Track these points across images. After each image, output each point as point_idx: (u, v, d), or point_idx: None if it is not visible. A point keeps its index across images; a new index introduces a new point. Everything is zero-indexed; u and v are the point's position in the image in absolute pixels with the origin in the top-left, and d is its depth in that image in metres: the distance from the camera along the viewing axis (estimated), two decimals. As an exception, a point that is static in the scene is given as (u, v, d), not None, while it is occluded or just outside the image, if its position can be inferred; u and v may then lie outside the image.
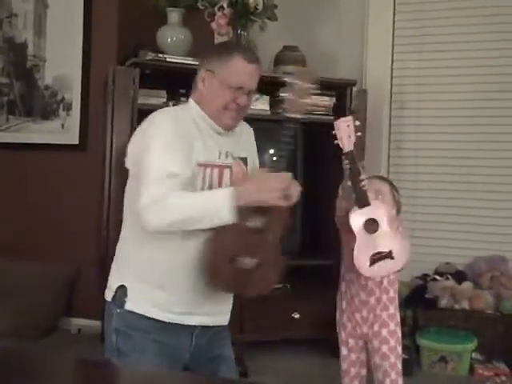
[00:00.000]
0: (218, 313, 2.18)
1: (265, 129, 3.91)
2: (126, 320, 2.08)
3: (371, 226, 2.46)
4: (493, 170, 4.02)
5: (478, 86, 4.04)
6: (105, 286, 2.18)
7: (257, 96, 3.67)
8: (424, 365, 3.61)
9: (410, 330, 3.74)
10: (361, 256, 2.46)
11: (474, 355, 3.59)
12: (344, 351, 2.72)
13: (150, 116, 2.10)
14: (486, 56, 4.01)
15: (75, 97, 4.08)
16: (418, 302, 3.79)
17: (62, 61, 4.08)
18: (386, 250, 2.45)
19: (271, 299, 3.79)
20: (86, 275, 3.94)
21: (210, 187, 2.06)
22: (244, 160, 2.21)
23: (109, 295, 2.12)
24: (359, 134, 2.50)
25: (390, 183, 2.77)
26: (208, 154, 2.08)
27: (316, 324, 3.65)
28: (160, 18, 3.80)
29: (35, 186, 4.09)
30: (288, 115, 2.12)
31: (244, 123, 2.31)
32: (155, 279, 2.06)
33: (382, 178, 2.81)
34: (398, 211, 2.72)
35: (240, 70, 2.10)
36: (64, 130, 4.11)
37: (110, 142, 3.49)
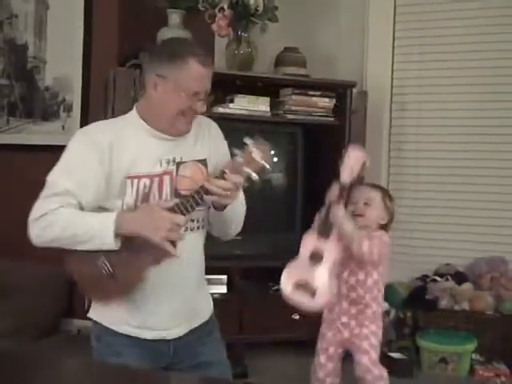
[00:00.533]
0: (180, 323, 2.10)
1: (265, 130, 3.93)
2: (98, 326, 2.10)
3: (316, 257, 2.47)
4: (493, 171, 4.01)
5: (479, 87, 4.04)
6: None
7: (257, 97, 3.68)
8: (424, 366, 3.61)
9: (410, 331, 3.75)
10: (292, 274, 2.49)
11: (474, 356, 3.58)
12: (322, 359, 2.71)
13: (74, 134, 2.09)
14: (487, 57, 4.00)
15: (76, 98, 4.09)
16: (417, 303, 3.79)
17: (62, 62, 4.09)
18: (314, 285, 2.45)
19: (271, 300, 3.80)
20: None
21: (147, 198, 1.98)
22: (203, 161, 2.09)
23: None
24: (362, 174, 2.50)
25: (384, 191, 2.75)
26: (143, 165, 1.99)
27: (316, 325, 3.63)
28: (160, 19, 3.80)
29: (36, 187, 4.08)
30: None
31: (203, 119, 2.16)
32: None
33: (374, 186, 2.79)
34: (391, 221, 2.71)
35: (196, 75, 1.97)
36: (64, 132, 4.11)
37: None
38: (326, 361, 2.70)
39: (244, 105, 3.65)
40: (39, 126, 4.15)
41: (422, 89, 4.17)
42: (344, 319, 2.68)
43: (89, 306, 2.13)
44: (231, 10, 3.64)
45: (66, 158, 2.02)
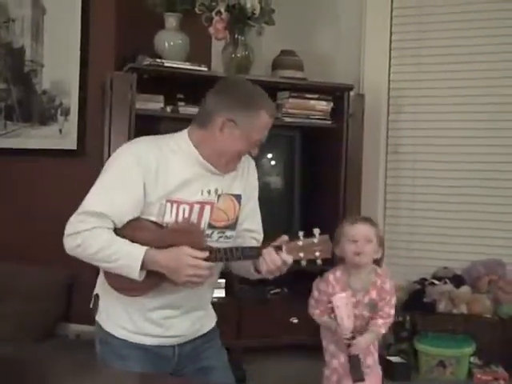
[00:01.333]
0: (183, 333, 2.12)
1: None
2: (103, 330, 2.10)
3: None
4: (490, 174, 4.01)
5: (476, 90, 4.04)
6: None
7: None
8: (422, 369, 3.60)
9: (408, 335, 3.74)
10: None
11: (472, 359, 3.58)
12: (327, 357, 2.72)
13: (123, 145, 2.08)
14: (484, 60, 4.01)
15: (73, 102, 4.08)
16: (416, 306, 3.79)
17: (59, 66, 4.09)
18: None
19: (269, 304, 3.80)
20: (85, 281, 3.91)
21: (187, 221, 2.02)
22: (237, 197, 2.13)
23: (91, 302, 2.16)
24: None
25: (375, 224, 2.72)
26: (186, 192, 2.02)
27: (315, 329, 3.62)
28: (157, 22, 3.80)
29: (33, 191, 4.09)
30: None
31: (247, 157, 2.21)
32: (115, 298, 2.07)
33: (368, 220, 2.72)
34: (383, 254, 2.70)
35: (265, 126, 2.06)
36: (62, 136, 4.11)
37: (107, 147, 3.48)
38: (330, 358, 2.71)
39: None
40: (37, 129, 4.14)
41: (418, 92, 4.18)
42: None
43: (95, 308, 2.13)
44: (228, 13, 3.64)
45: (110, 175, 2.02)
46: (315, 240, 2.01)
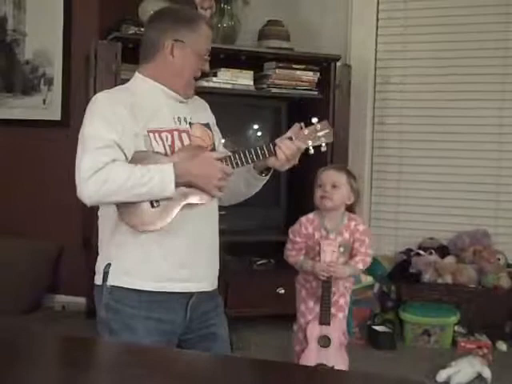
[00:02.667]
0: (204, 278, 2.14)
1: (249, 104, 3.92)
2: (114, 294, 2.06)
3: (325, 341, 2.69)
4: (476, 145, 4.03)
5: (462, 60, 4.03)
6: (89, 264, 2.17)
7: (240, 71, 3.66)
8: (407, 338, 3.64)
9: (394, 305, 3.78)
10: (306, 362, 2.69)
11: (456, 328, 3.63)
12: (309, 318, 2.78)
13: (93, 97, 2.10)
14: (471, 30, 4.00)
15: (56, 72, 4.03)
16: (401, 276, 3.83)
17: (42, 35, 4.03)
18: (330, 365, 2.67)
19: (256, 274, 3.82)
20: (71, 253, 3.93)
21: (173, 149, 2.05)
22: (206, 125, 2.20)
23: (98, 279, 2.10)
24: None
25: (347, 172, 2.81)
26: (161, 121, 2.06)
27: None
28: (142, -9, 3.75)
29: (17, 162, 4.05)
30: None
31: (198, 97, 2.30)
32: (137, 251, 2.05)
33: (339, 168, 2.85)
34: (357, 200, 2.79)
35: (207, 36, 2.14)
36: (46, 106, 4.06)
37: (92, 117, 3.45)
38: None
39: (227, 78, 3.62)
40: (20, 100, 4.09)
41: (405, 62, 4.17)
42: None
43: (105, 278, 2.07)
44: (214, -19, 3.60)
45: (99, 113, 2.01)
46: (317, 126, 2.12)
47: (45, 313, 3.89)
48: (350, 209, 2.77)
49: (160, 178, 1.95)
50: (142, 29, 3.46)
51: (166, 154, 2.04)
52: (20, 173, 4.04)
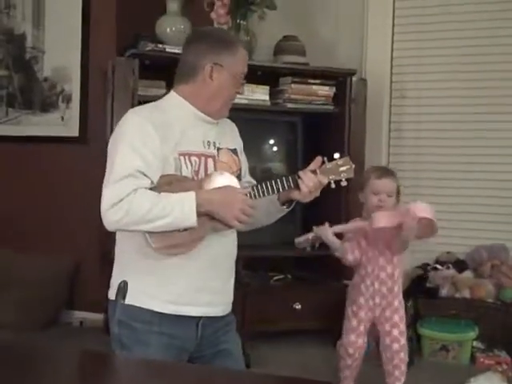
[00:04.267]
0: (220, 303, 2.17)
1: (264, 119, 3.93)
2: (128, 311, 2.07)
3: None
4: (494, 159, 4.01)
5: (479, 74, 4.02)
6: (107, 279, 2.18)
7: (256, 86, 3.67)
8: (425, 354, 3.62)
9: (412, 320, 3.74)
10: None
11: (475, 344, 3.59)
12: (353, 337, 2.94)
13: (123, 117, 2.10)
14: (487, 44, 3.99)
15: (75, 89, 4.07)
16: (419, 291, 3.80)
17: (60, 52, 4.07)
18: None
19: (272, 290, 3.81)
20: (88, 268, 3.94)
21: (197, 174, 2.06)
22: (233, 151, 2.21)
23: (112, 294, 2.11)
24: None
25: (396, 177, 2.94)
26: (190, 144, 2.07)
27: (318, 314, 3.65)
28: (159, 7, 3.78)
29: (35, 179, 4.08)
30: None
31: (227, 119, 2.32)
32: (157, 273, 2.06)
33: (392, 177, 2.93)
34: (399, 195, 2.93)
35: (244, 59, 2.18)
36: (64, 123, 4.10)
37: (110, 133, 3.45)
38: (356, 338, 2.94)
39: (243, 94, 3.63)
40: (38, 117, 4.13)
41: (421, 76, 4.16)
42: (376, 300, 2.93)
43: (123, 296, 2.08)
44: (230, -2, 3.62)
45: (127, 138, 2.01)
46: (339, 162, 2.17)
47: (63, 329, 3.90)
48: None
49: (181, 208, 1.95)
50: (159, 45, 3.51)
51: (192, 179, 2.05)
52: (37, 189, 4.07)
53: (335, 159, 2.16)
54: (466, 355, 3.57)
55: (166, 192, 1.98)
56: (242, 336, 2.31)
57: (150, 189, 1.99)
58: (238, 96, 3.53)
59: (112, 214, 1.94)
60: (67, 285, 4.01)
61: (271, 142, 4.00)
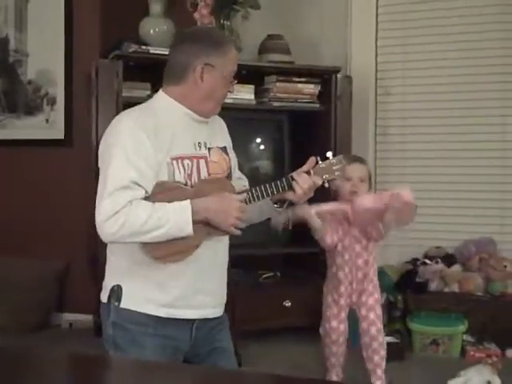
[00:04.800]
0: (214, 305, 2.18)
1: (250, 118, 3.93)
2: (123, 314, 2.07)
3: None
4: (480, 153, 4.03)
5: (463, 70, 4.04)
6: (96, 281, 2.18)
7: (241, 86, 3.67)
8: (416, 348, 3.63)
9: (401, 315, 3.76)
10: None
11: (465, 337, 3.60)
12: (334, 324, 2.98)
13: (114, 120, 2.08)
14: (471, 39, 4.00)
15: (59, 91, 4.05)
16: (408, 286, 3.81)
17: (44, 55, 4.05)
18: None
19: (262, 288, 3.81)
20: (77, 270, 3.93)
21: (190, 178, 2.05)
22: (223, 149, 2.20)
23: (104, 296, 2.11)
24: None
25: (366, 163, 3.03)
26: (182, 146, 2.06)
27: (307, 312, 3.65)
28: (142, 9, 3.77)
29: (21, 182, 4.06)
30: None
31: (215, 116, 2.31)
32: (152, 278, 2.06)
33: (360, 160, 3.00)
34: (370, 182, 3.00)
35: (235, 59, 2.16)
36: (49, 125, 4.08)
37: (95, 135, 3.46)
38: (337, 324, 2.98)
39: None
40: (23, 120, 4.11)
41: (406, 72, 4.18)
42: (354, 285, 2.98)
43: (118, 300, 2.08)
44: (213, -3, 3.62)
45: (120, 146, 1.99)
46: (333, 161, 2.16)
47: (52, 331, 3.89)
48: None
49: (177, 218, 1.95)
50: (143, 46, 3.50)
51: (185, 184, 2.04)
52: (24, 192, 4.05)
53: (328, 158, 2.15)
54: (457, 349, 3.59)
55: (160, 200, 1.97)
56: (233, 335, 2.31)
57: (145, 198, 1.97)
58: (223, 95, 3.61)
59: (108, 226, 1.93)
60: (56, 287, 3.99)
61: (258, 140, 4.00)
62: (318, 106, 3.86)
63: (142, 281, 2.06)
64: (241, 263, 3.66)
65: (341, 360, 3.02)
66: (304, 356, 3.44)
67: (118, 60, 3.40)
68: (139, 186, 1.96)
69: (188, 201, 1.97)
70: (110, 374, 1.58)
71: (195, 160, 2.08)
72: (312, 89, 3.84)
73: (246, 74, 3.73)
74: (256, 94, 3.74)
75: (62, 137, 4.04)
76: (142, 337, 2.05)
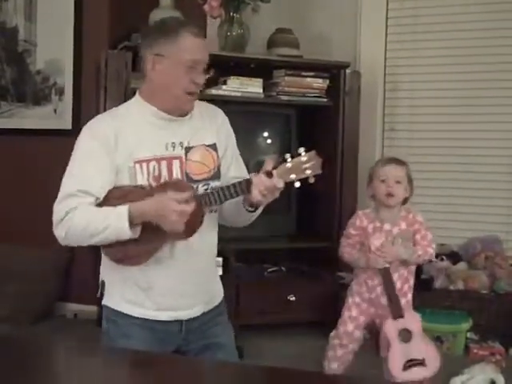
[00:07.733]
0: (200, 302, 2.14)
1: (258, 112, 3.92)
2: (110, 309, 2.11)
3: (405, 335, 2.71)
4: (488, 151, 4.01)
5: (472, 66, 4.02)
6: (99, 271, 2.20)
7: (250, 79, 3.66)
8: (419, 345, 3.62)
9: (406, 311, 3.76)
10: (395, 363, 2.68)
11: (469, 335, 3.60)
12: (350, 328, 2.85)
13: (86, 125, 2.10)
14: (481, 36, 3.99)
15: (67, 81, 4.05)
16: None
17: (53, 45, 4.05)
18: (420, 357, 2.72)
19: (267, 282, 3.81)
20: (82, 260, 3.93)
21: (158, 180, 2.02)
22: (212, 146, 2.12)
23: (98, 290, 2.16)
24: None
25: (406, 165, 2.88)
26: (149, 148, 2.02)
27: (312, 306, 3.66)
28: (152, 0, 3.77)
29: (29, 171, 4.07)
30: None
31: (210, 105, 2.23)
32: (130, 277, 2.07)
33: (399, 163, 2.88)
34: (412, 192, 2.87)
35: (189, 46, 2.01)
36: (57, 115, 4.08)
37: (103, 126, 3.46)
38: (353, 328, 2.86)
39: (237, 86, 3.63)
40: (31, 110, 4.12)
41: (415, 69, 4.16)
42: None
43: (102, 294, 2.14)
44: (223, -10, 3.61)
45: (74, 156, 2.07)
46: (303, 158, 1.98)
47: (57, 321, 3.90)
48: (404, 201, 2.84)
49: (115, 222, 1.93)
50: (152, 38, 3.50)
51: (150, 186, 2.00)
52: (30, 181, 4.05)
53: (299, 155, 1.97)
54: (460, 346, 3.58)
55: (116, 205, 1.96)
56: (236, 328, 2.31)
57: (100, 203, 1.99)
58: (231, 89, 3.61)
59: (59, 231, 2.01)
60: (61, 277, 4.00)
61: (265, 134, 3.99)
62: (326, 100, 3.86)
63: (125, 283, 2.08)
64: (246, 257, 3.68)
65: (341, 369, 2.88)
66: (308, 350, 3.44)
67: (127, 51, 3.41)
68: (87, 193, 1.97)
69: (126, 206, 1.93)
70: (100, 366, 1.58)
71: (164, 162, 2.03)
72: (320, 83, 3.83)
73: (255, 68, 3.75)
74: (264, 87, 3.73)
75: (69, 127, 4.04)
76: (129, 328, 2.07)
